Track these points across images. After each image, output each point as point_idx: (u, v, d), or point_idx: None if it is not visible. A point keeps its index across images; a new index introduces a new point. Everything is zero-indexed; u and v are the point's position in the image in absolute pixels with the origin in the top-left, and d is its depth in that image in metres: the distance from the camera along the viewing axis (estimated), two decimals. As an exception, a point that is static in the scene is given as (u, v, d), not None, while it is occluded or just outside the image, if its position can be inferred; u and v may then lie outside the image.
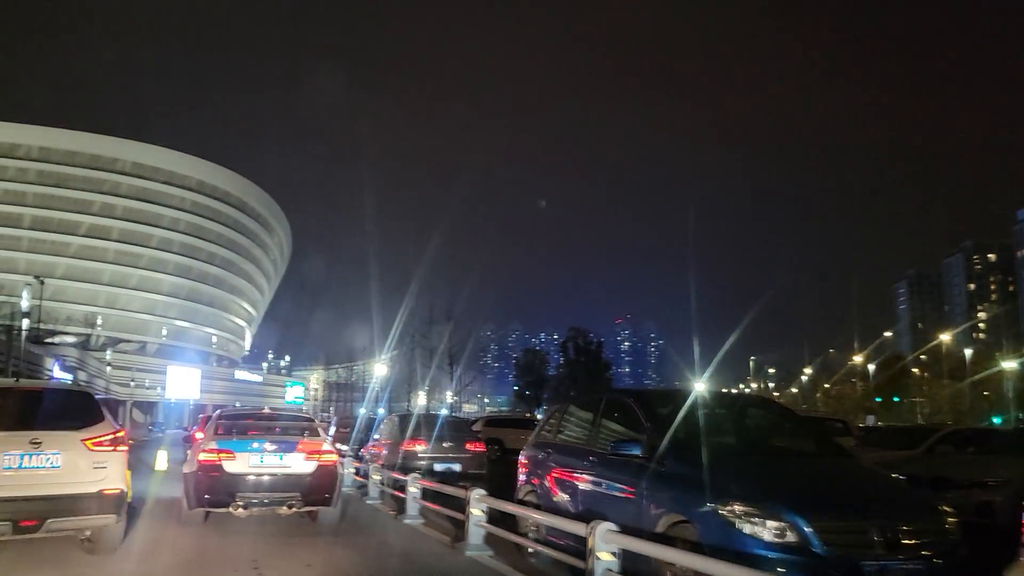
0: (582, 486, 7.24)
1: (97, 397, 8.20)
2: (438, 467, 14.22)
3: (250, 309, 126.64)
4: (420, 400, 67.96)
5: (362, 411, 48.81)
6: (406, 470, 12.34)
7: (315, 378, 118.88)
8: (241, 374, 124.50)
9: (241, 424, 10.32)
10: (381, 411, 55.22)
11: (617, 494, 6.59)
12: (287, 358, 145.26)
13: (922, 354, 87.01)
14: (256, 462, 9.15)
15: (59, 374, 59.31)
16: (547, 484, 7.94)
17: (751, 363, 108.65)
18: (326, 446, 9.83)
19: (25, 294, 22.44)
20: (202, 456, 9.17)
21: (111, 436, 7.14)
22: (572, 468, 7.50)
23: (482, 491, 8.09)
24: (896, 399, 73.73)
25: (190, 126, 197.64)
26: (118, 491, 7.01)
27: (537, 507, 7.90)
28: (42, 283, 62.72)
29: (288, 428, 10.33)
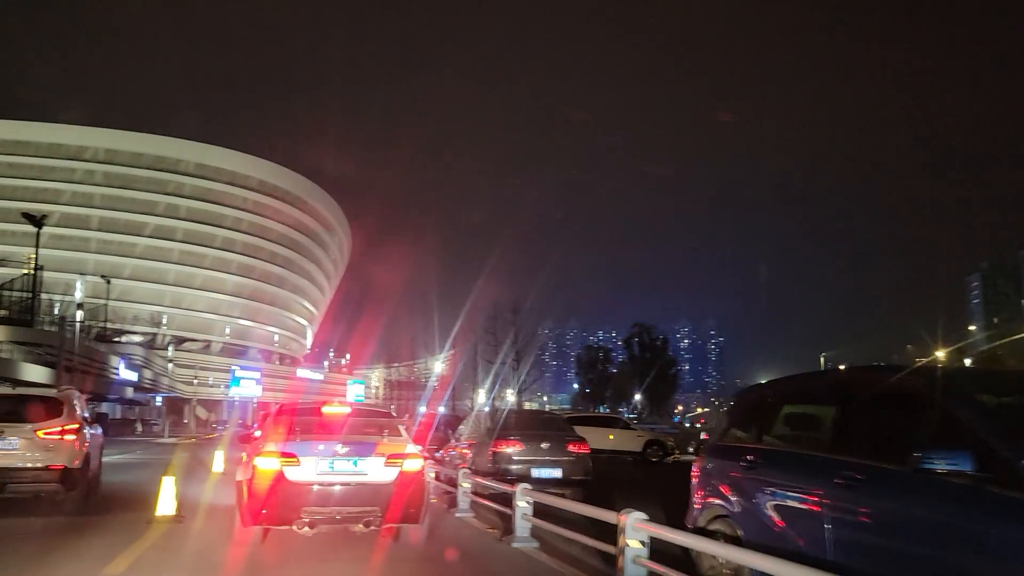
0: (833, 516, 4.68)
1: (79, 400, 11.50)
2: (536, 473, 12.07)
3: (311, 308, 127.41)
4: (480, 398, 66.55)
5: (421, 410, 47.66)
6: (498, 476, 10.74)
7: (376, 376, 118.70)
8: (303, 372, 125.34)
9: (306, 421, 8.57)
10: (441, 409, 54.14)
11: (919, 533, 4.13)
12: (347, 356, 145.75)
13: (998, 349, 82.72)
14: (325, 469, 7.58)
15: (124, 373, 59.64)
16: (757, 509, 5.52)
17: (821, 360, 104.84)
18: (411, 448, 8.13)
19: (79, 284, 21.41)
20: (259, 461, 7.56)
21: (60, 428, 10.13)
22: (805, 488, 5.04)
23: (641, 515, 5.79)
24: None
25: (250, 126, 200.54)
26: (62, 467, 9.87)
27: (736, 541, 5.58)
28: (108, 283, 63.37)
29: (364, 427, 8.63)
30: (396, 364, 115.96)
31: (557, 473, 12.42)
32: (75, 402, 10.88)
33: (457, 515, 10.43)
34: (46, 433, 9.96)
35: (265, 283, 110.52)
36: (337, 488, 7.57)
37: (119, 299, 76.56)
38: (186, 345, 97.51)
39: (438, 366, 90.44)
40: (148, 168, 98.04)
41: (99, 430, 13.07)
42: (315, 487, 7.52)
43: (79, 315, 21.56)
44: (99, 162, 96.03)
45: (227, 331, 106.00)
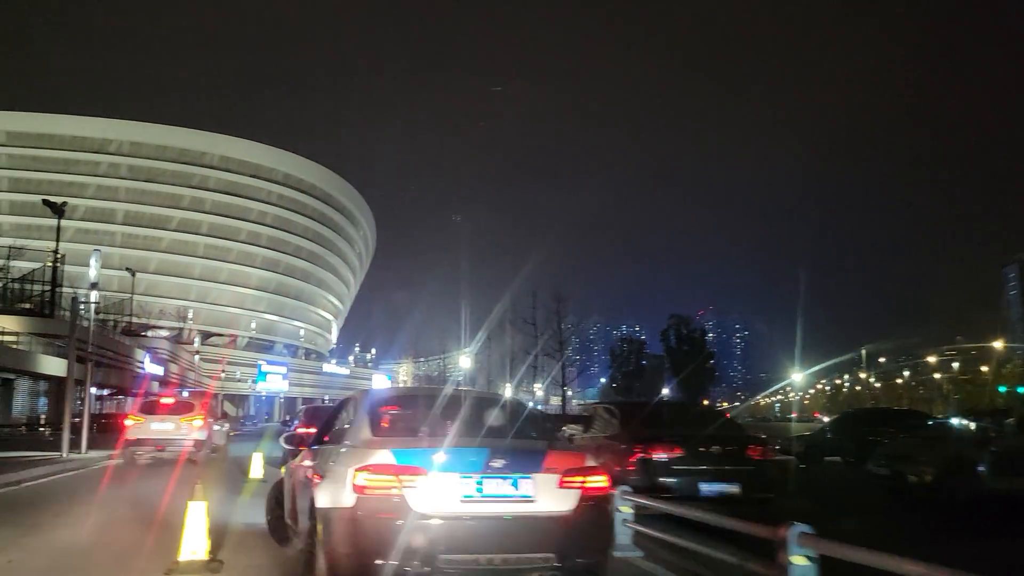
0: None
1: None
2: (706, 489, 8.98)
3: (336, 302, 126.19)
4: (506, 392, 66.08)
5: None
6: (648, 493, 7.94)
7: (404, 371, 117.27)
8: (329, 367, 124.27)
9: (415, 416, 6.07)
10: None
11: None
12: (373, 351, 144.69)
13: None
14: (471, 492, 5.02)
15: (150, 367, 58.37)
16: None
17: (863, 353, 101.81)
18: (590, 462, 5.56)
19: (92, 262, 19.70)
20: (365, 479, 4.99)
21: (194, 418, 18.71)
22: None
23: (806, 528, 4.43)
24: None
25: (274, 119, 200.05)
26: (195, 440, 18.22)
27: None
28: (133, 275, 62.11)
29: (510, 430, 5.90)
30: (422, 359, 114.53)
31: (735, 489, 9.23)
32: (198, 403, 19.82)
33: (617, 554, 7.21)
34: (187, 421, 18.45)
35: (290, 277, 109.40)
36: (490, 523, 4.99)
37: (145, 293, 75.47)
38: (211, 340, 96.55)
39: (464, 360, 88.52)
40: (173, 161, 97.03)
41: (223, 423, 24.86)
42: (457, 522, 4.95)
43: (93, 296, 19.72)
44: (124, 155, 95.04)
45: (253, 326, 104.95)
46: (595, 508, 5.33)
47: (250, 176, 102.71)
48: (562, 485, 5.15)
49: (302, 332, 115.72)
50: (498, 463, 5.06)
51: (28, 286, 46.86)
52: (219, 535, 7.43)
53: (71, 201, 66.84)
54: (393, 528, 4.82)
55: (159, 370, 61.51)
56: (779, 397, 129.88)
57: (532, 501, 5.07)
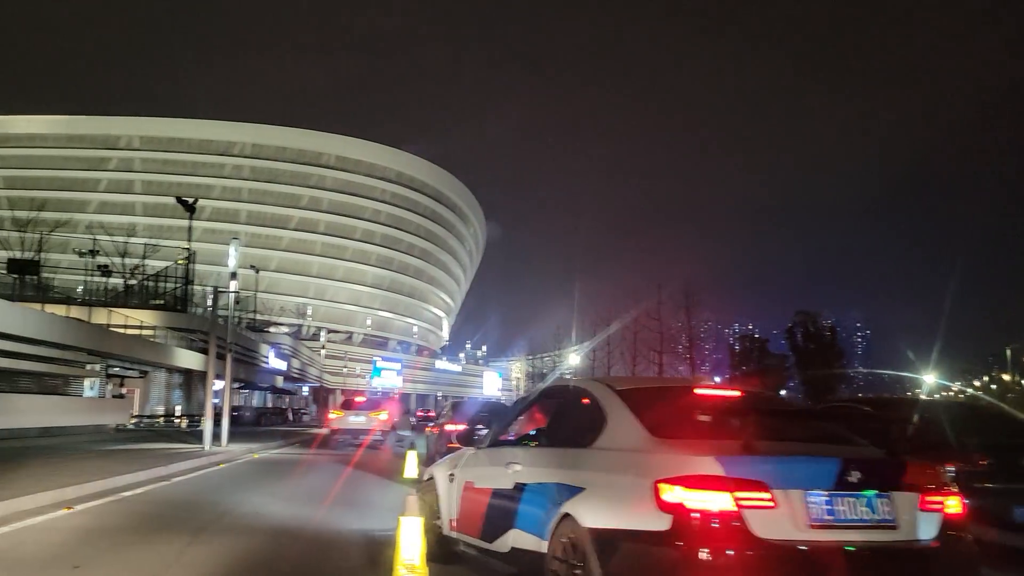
0: None
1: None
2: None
3: (447, 299, 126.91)
4: None
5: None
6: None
7: (517, 368, 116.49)
8: (441, 364, 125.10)
9: (687, 414, 4.67)
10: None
11: None
12: (484, 348, 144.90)
13: None
14: (818, 514, 3.77)
15: (274, 362, 59.41)
16: None
17: (1007, 353, 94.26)
18: (943, 478, 4.31)
19: (232, 251, 19.14)
20: (680, 495, 3.75)
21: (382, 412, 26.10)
22: None
23: None
24: None
25: (383, 117, 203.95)
26: (381, 425, 25.09)
27: None
28: (257, 272, 63.59)
29: (819, 431, 4.71)
30: (533, 356, 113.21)
31: None
32: (385, 403, 26.09)
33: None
34: (375, 415, 23.30)
35: (403, 275, 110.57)
36: (844, 556, 3.71)
37: (266, 291, 77.48)
38: (329, 336, 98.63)
39: (573, 358, 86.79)
40: (292, 162, 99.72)
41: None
42: (803, 554, 3.71)
43: (232, 285, 19.20)
44: (246, 157, 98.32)
45: (368, 323, 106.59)
46: (960, 540, 4.02)
47: (365, 175, 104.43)
48: (924, 507, 3.96)
49: (415, 329, 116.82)
50: (852, 476, 3.83)
51: (161, 283, 48.32)
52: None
53: (199, 203, 69.26)
54: (729, 563, 3.60)
55: (282, 365, 62.59)
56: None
57: (893, 527, 3.87)
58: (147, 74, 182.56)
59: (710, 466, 3.76)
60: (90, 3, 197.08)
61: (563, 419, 5.61)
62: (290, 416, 61.96)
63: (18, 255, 46.27)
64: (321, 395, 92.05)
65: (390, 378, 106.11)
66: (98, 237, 53.19)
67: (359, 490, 11.83)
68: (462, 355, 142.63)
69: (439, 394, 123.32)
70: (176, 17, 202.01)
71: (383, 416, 24.93)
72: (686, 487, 3.74)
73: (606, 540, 4.05)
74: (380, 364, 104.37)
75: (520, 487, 5.09)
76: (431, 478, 6.91)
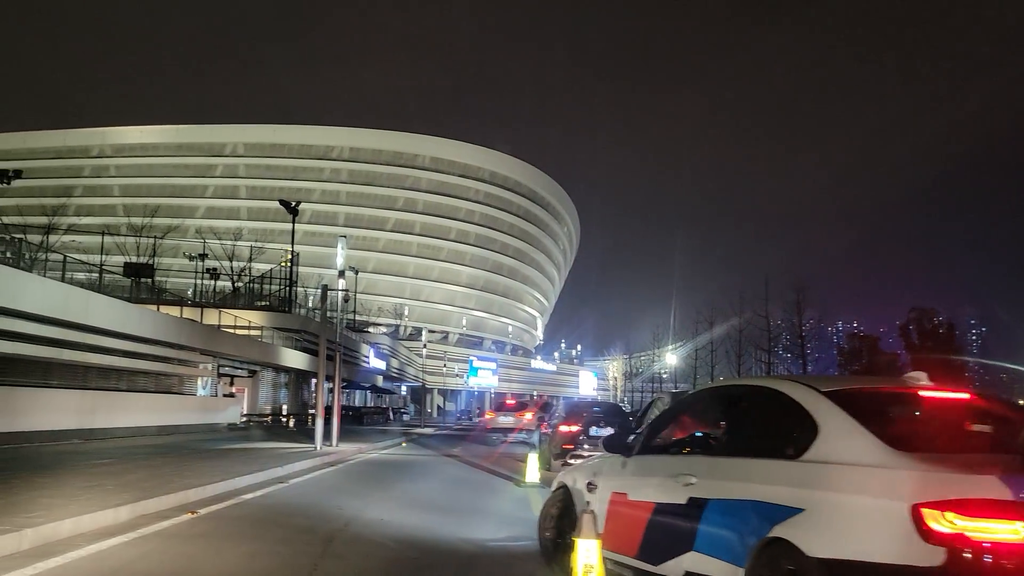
0: None
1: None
2: None
3: (542, 299, 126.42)
4: None
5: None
6: None
7: (614, 367, 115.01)
8: (536, 363, 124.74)
9: (912, 421, 4.10)
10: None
11: None
12: (578, 347, 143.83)
13: None
14: None
15: (374, 362, 60.14)
16: None
17: None
18: None
19: (339, 248, 18.95)
20: (952, 523, 3.06)
21: (524, 412, 32.93)
22: None
23: None
24: None
25: (480, 119, 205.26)
26: (521, 426, 29.54)
27: None
28: (356, 274, 64.62)
29: None
30: (630, 355, 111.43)
31: None
32: (530, 405, 32.58)
33: None
34: (521, 416, 30.90)
35: (498, 274, 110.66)
36: None
37: (364, 292, 78.65)
38: (424, 336, 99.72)
39: (670, 357, 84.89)
40: (388, 164, 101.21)
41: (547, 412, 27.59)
42: None
43: (340, 283, 19.03)
44: (344, 160, 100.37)
45: (463, 323, 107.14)
46: None
47: (459, 176, 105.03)
48: None
49: (510, 328, 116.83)
50: None
51: (266, 285, 49.63)
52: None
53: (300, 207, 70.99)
54: None
55: (381, 365, 63.32)
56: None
57: None
58: (249, 82, 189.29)
59: (994, 488, 3.07)
60: (195, 19, 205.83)
61: (749, 425, 4.80)
62: (391, 415, 62.62)
63: (133, 259, 48.15)
64: (418, 395, 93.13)
65: (486, 377, 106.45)
66: (208, 240, 55.11)
67: (482, 494, 11.26)
68: (556, 354, 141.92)
69: (534, 393, 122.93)
70: (274, 26, 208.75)
71: (528, 416, 30.11)
72: (964, 514, 3.04)
73: (845, 574, 3.30)
74: (476, 364, 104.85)
75: (698, 503, 4.33)
76: (562, 487, 6.23)
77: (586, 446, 17.76)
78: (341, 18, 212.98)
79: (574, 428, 17.69)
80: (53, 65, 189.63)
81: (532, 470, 11.97)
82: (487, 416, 30.98)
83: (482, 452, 21.59)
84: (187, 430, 26.54)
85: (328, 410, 19.44)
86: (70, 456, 14.89)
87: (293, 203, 46.98)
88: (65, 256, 23.12)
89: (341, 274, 20.44)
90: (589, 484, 5.55)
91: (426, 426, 44.58)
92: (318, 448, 18.08)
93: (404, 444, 24.66)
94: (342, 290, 20.32)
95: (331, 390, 21.78)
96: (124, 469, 12.12)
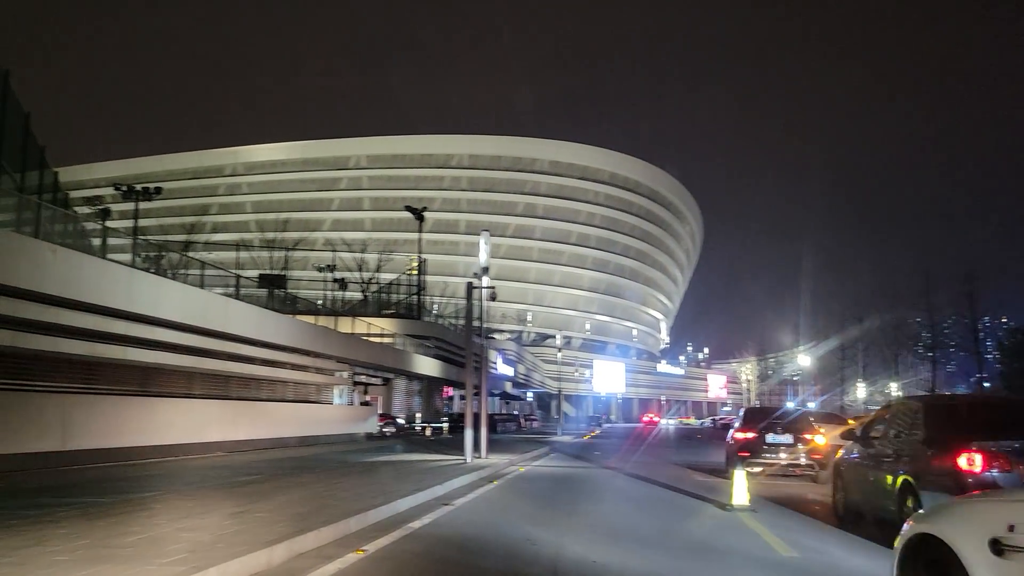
0: None
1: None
2: None
3: (665, 301, 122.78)
4: (859, 393, 59.28)
5: (790, 406, 40.84)
6: None
7: (747, 369, 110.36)
8: (662, 367, 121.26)
9: None
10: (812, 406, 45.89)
11: None
12: (706, 350, 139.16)
13: None
14: None
15: (502, 368, 59.08)
16: None
17: None
18: None
19: (482, 244, 17.51)
20: None
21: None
22: None
23: None
24: None
25: (594, 120, 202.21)
26: None
27: None
28: (479, 279, 63.92)
29: None
30: (762, 356, 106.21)
31: None
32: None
33: None
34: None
35: (620, 277, 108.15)
36: None
37: (487, 298, 78.04)
38: (547, 341, 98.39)
39: (802, 358, 79.94)
40: (506, 170, 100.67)
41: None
42: None
43: (485, 281, 17.59)
44: (464, 168, 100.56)
45: (587, 327, 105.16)
46: None
47: (578, 178, 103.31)
48: None
49: (634, 332, 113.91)
50: None
51: (393, 293, 49.64)
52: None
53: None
54: None
55: (509, 371, 62.25)
56: None
57: None
58: (370, 94, 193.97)
59: None
60: (315, 40, 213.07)
61: None
62: (522, 422, 61.40)
63: (267, 271, 48.89)
64: (543, 401, 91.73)
65: (614, 383, 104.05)
66: (337, 251, 55.72)
67: (684, 520, 9.30)
68: (682, 357, 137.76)
69: (662, 398, 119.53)
70: (393, 39, 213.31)
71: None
72: None
73: None
74: (603, 368, 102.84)
75: None
76: (922, 538, 4.01)
77: (766, 455, 15.54)
78: (452, 28, 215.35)
79: (750, 435, 15.64)
80: (185, 88, 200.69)
81: (740, 490, 9.91)
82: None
83: (641, 463, 19.63)
84: (327, 440, 25.79)
85: (475, 419, 17.96)
86: (214, 471, 13.93)
87: (419, 209, 47.03)
88: (203, 264, 22.69)
89: (485, 271, 18.98)
90: (997, 542, 3.41)
91: (564, 433, 42.88)
92: (468, 460, 16.57)
93: (551, 454, 22.96)
94: (487, 287, 18.76)
95: (464, 397, 20.36)
96: (273, 488, 10.87)
